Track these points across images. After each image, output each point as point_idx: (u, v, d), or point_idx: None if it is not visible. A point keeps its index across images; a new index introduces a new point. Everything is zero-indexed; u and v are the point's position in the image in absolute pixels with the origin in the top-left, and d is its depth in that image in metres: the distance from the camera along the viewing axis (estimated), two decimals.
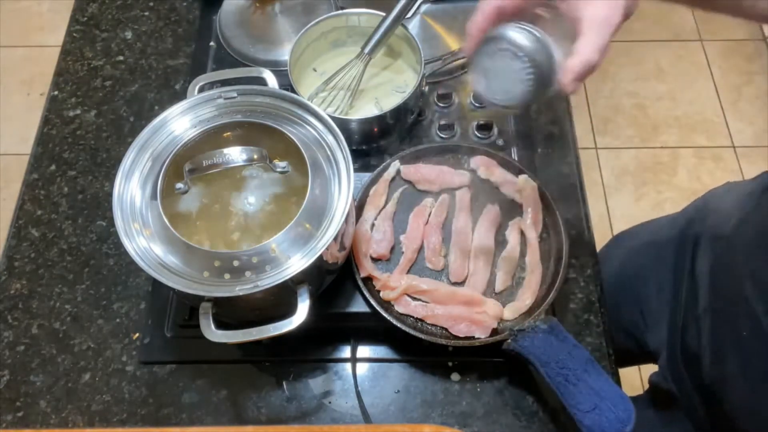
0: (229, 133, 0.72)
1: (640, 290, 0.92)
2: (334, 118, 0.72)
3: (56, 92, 1.03)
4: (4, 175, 1.99)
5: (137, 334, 0.83)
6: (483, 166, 0.88)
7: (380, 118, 0.88)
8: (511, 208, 0.86)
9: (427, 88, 0.94)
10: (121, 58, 1.06)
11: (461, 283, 0.81)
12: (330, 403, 0.78)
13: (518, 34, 0.57)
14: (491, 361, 0.80)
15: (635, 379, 1.67)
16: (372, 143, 0.93)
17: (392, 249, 0.83)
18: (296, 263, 0.64)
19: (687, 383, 0.79)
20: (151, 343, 0.82)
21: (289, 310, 0.64)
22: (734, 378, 0.70)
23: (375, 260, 0.81)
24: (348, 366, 0.80)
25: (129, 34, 1.08)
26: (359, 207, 0.85)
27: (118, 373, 0.81)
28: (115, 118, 1.00)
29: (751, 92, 2.15)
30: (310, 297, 0.65)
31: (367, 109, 0.94)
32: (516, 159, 0.91)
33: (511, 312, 0.78)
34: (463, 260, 0.81)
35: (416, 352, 0.80)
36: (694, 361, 0.77)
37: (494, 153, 0.88)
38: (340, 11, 0.95)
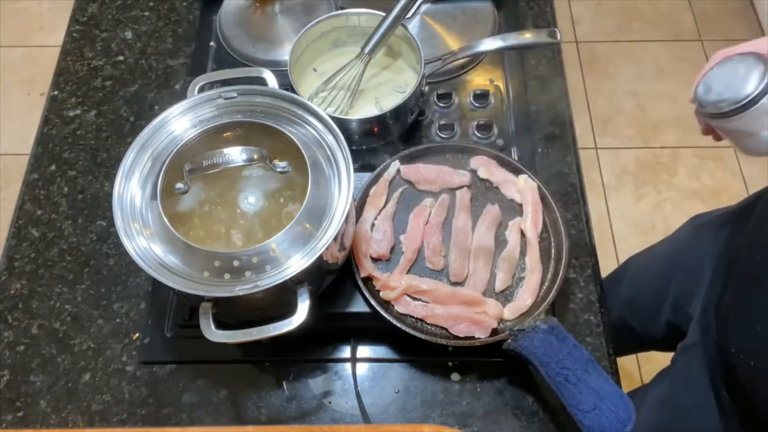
0: (229, 133, 0.72)
1: (697, 262, 0.94)
2: (334, 118, 0.72)
3: (56, 92, 1.03)
4: (4, 175, 1.99)
5: (137, 334, 0.83)
6: (483, 166, 0.88)
7: (380, 118, 0.88)
8: (511, 208, 0.86)
9: (427, 88, 0.94)
10: (121, 58, 1.06)
11: (461, 283, 0.81)
12: (330, 403, 0.78)
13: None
14: (491, 361, 0.80)
15: (635, 374, 1.67)
16: (372, 143, 0.93)
17: (392, 249, 0.83)
18: (296, 263, 0.64)
19: (711, 335, 0.80)
20: (151, 343, 0.82)
21: (289, 310, 0.64)
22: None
23: (375, 260, 0.81)
24: (348, 366, 0.80)
25: (129, 34, 1.09)
26: (359, 207, 0.85)
27: (118, 373, 0.81)
28: (115, 118, 1.00)
29: None
30: (310, 297, 0.65)
31: (367, 109, 0.94)
32: (516, 159, 0.91)
33: (511, 312, 0.78)
34: (463, 260, 0.81)
35: (416, 352, 0.80)
36: (726, 315, 0.78)
37: (494, 153, 0.88)
38: (340, 11, 0.94)
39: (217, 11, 1.08)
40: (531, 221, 0.83)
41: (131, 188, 0.68)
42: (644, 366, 1.68)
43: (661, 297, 1.00)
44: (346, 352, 0.81)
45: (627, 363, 1.68)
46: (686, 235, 1.05)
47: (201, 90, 0.75)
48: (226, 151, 0.65)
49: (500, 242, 0.83)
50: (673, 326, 0.99)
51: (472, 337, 0.76)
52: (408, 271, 0.81)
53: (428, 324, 0.78)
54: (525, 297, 0.79)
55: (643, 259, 1.12)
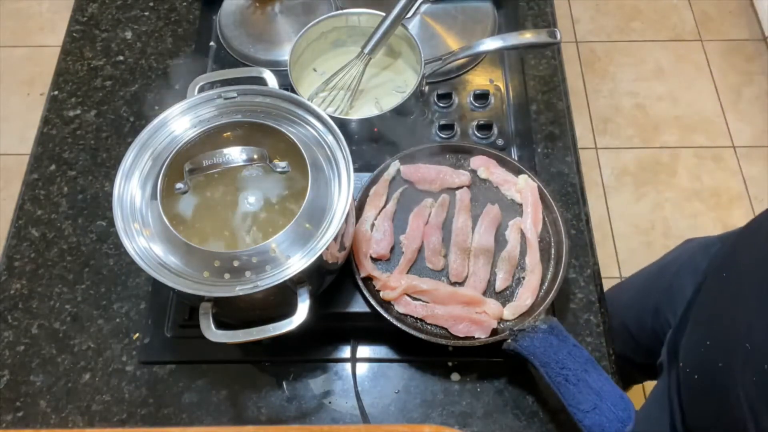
0: (229, 133, 0.72)
1: (681, 283, 0.92)
2: (334, 118, 0.72)
3: (56, 92, 1.03)
4: (4, 175, 1.99)
5: (137, 334, 0.83)
6: (483, 166, 0.88)
7: (380, 118, 0.88)
8: (511, 208, 0.86)
9: (427, 88, 0.94)
10: (121, 58, 1.06)
11: (461, 283, 0.81)
12: (330, 403, 0.78)
13: None
14: (491, 361, 0.80)
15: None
16: (372, 143, 0.93)
17: (392, 249, 0.83)
18: (296, 263, 0.64)
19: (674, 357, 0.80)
20: (151, 343, 0.82)
21: (289, 310, 0.64)
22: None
23: (375, 260, 0.81)
24: (348, 366, 0.80)
25: (129, 34, 1.09)
26: (359, 207, 0.85)
27: (118, 373, 0.81)
28: (115, 118, 1.00)
29: (751, 92, 2.15)
30: (310, 297, 0.65)
31: (367, 109, 0.94)
32: (516, 159, 0.91)
33: (511, 312, 0.78)
34: (463, 260, 0.81)
35: (416, 352, 0.80)
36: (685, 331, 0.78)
37: (494, 153, 0.88)
38: (340, 11, 0.95)
39: (217, 11, 1.08)
40: (531, 221, 0.83)
41: (131, 188, 0.68)
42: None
43: (656, 322, 0.97)
44: (346, 352, 0.81)
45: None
46: (676, 258, 1.02)
47: (201, 90, 0.75)
48: (226, 151, 0.65)
49: (500, 242, 0.83)
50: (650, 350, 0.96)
51: (472, 337, 0.76)
52: (408, 271, 0.81)
53: (428, 324, 0.78)
54: (525, 297, 0.79)
55: (632, 286, 1.07)
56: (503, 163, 0.88)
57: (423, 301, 0.79)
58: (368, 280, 0.79)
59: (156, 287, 0.85)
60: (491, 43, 0.89)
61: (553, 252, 0.82)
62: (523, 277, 0.81)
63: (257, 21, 1.05)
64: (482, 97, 0.98)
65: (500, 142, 0.95)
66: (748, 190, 1.96)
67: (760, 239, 0.70)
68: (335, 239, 0.66)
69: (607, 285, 0.92)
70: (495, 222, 0.84)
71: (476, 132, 0.96)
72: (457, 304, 0.78)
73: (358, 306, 0.79)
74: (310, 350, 0.81)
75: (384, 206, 0.85)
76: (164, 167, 0.67)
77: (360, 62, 0.90)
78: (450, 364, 0.80)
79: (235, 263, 0.64)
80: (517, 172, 0.87)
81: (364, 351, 0.81)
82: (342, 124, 0.83)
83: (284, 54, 0.99)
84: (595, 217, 0.94)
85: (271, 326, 0.63)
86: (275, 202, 0.74)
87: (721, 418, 0.62)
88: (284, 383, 0.80)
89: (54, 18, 2.31)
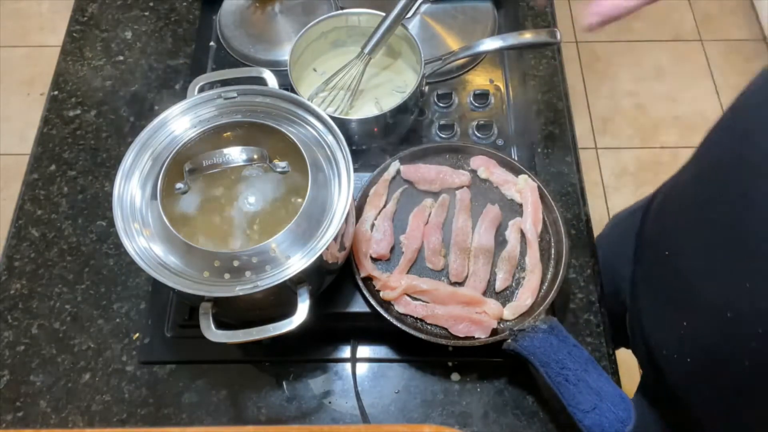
0: (229, 133, 0.72)
1: (617, 261, 0.94)
2: (334, 118, 0.72)
3: (56, 92, 1.03)
4: (4, 175, 1.99)
5: (137, 334, 0.83)
6: (483, 166, 0.88)
7: (380, 118, 0.88)
8: (511, 208, 0.86)
9: (427, 88, 0.94)
10: (121, 58, 1.06)
11: (461, 283, 0.81)
12: (330, 403, 0.78)
13: None
14: (491, 361, 0.80)
15: (635, 375, 1.67)
16: (372, 143, 0.93)
17: (392, 249, 0.83)
18: (296, 263, 0.64)
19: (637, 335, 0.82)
20: (151, 343, 0.82)
21: (289, 310, 0.64)
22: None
23: (375, 260, 0.81)
24: (348, 366, 0.80)
25: (129, 34, 1.09)
26: (359, 207, 0.85)
27: (118, 373, 0.81)
28: (115, 118, 1.00)
29: None
30: (310, 297, 0.65)
31: (367, 109, 0.94)
32: (516, 159, 0.91)
33: (511, 312, 0.78)
34: (463, 260, 0.81)
35: (416, 352, 0.80)
36: (640, 312, 0.79)
37: (494, 153, 0.88)
38: (340, 11, 0.95)
39: (217, 11, 1.08)
40: (531, 221, 0.83)
41: (131, 188, 0.68)
42: None
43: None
44: (346, 352, 0.81)
45: (627, 361, 1.68)
46: (606, 235, 1.04)
47: (201, 90, 0.75)
48: (226, 151, 0.65)
49: (500, 242, 0.83)
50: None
51: (472, 337, 0.76)
52: (408, 271, 0.81)
53: (428, 324, 0.78)
54: (525, 297, 0.79)
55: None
56: (503, 163, 0.88)
57: (423, 301, 0.79)
58: (368, 280, 0.79)
59: (156, 287, 0.85)
60: (491, 43, 0.89)
61: (553, 252, 0.82)
62: (523, 277, 0.81)
63: (257, 21, 1.05)
64: (482, 97, 0.98)
65: (500, 142, 0.95)
66: None
67: (667, 211, 0.74)
68: (335, 239, 0.66)
69: None
70: (495, 222, 0.84)
71: (476, 132, 0.96)
72: (457, 304, 0.78)
73: (358, 306, 0.79)
74: (310, 350, 0.81)
75: (384, 206, 0.85)
76: (164, 167, 0.67)
77: (360, 62, 0.90)
78: (450, 364, 0.81)
79: (235, 263, 0.64)
80: (517, 172, 0.87)
81: (364, 351, 0.81)
82: (342, 124, 0.83)
83: (284, 54, 0.99)
84: (595, 217, 0.94)
85: (271, 326, 0.63)
86: (275, 202, 0.74)
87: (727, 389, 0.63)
88: (284, 383, 0.80)
89: (54, 18, 2.31)
